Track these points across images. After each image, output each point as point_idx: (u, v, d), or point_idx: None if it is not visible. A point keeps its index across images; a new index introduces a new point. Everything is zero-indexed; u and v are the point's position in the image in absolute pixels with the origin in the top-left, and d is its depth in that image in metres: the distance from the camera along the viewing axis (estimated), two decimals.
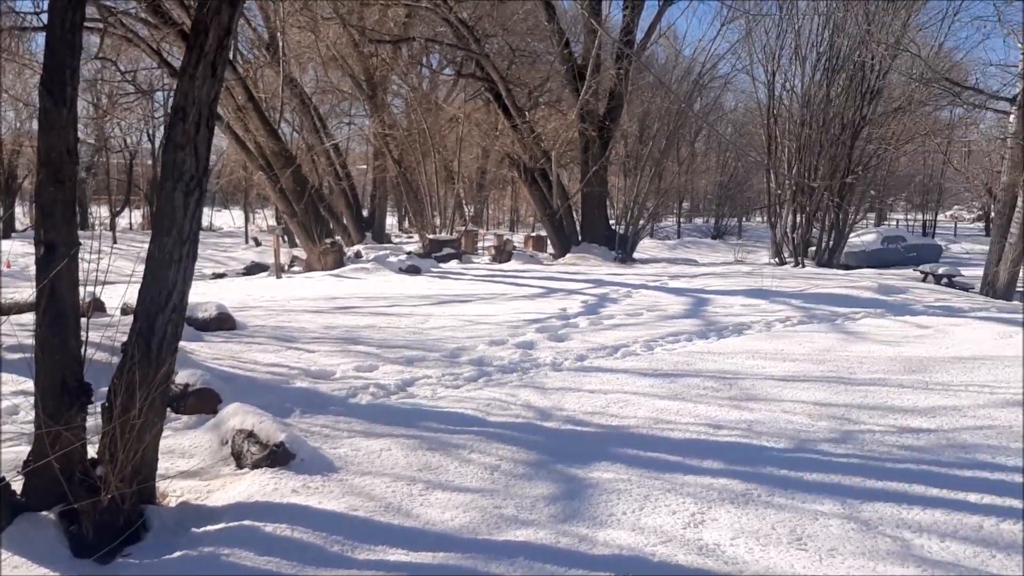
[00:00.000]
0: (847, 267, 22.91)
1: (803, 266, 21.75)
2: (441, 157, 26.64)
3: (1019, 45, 15.45)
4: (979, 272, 17.39)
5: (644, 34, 23.70)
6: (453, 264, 19.93)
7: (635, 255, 24.59)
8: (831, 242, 23.66)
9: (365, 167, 37.29)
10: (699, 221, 51.78)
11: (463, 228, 26.12)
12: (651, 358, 7.63)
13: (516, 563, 3.42)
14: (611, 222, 25.52)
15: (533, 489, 4.24)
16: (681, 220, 47.98)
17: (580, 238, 23.70)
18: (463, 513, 3.96)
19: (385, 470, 4.54)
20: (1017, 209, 15.55)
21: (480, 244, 26.72)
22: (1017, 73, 15.69)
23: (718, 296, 12.04)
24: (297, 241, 24.05)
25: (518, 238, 32.40)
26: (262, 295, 12.85)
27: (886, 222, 49.63)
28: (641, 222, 25.76)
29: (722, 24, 24.47)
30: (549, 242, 24.86)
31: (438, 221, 26.21)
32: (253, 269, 22.44)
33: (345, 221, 25.88)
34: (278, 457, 4.54)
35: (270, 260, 19.59)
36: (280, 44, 20.68)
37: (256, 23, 23.64)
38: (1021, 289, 17.05)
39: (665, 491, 4.13)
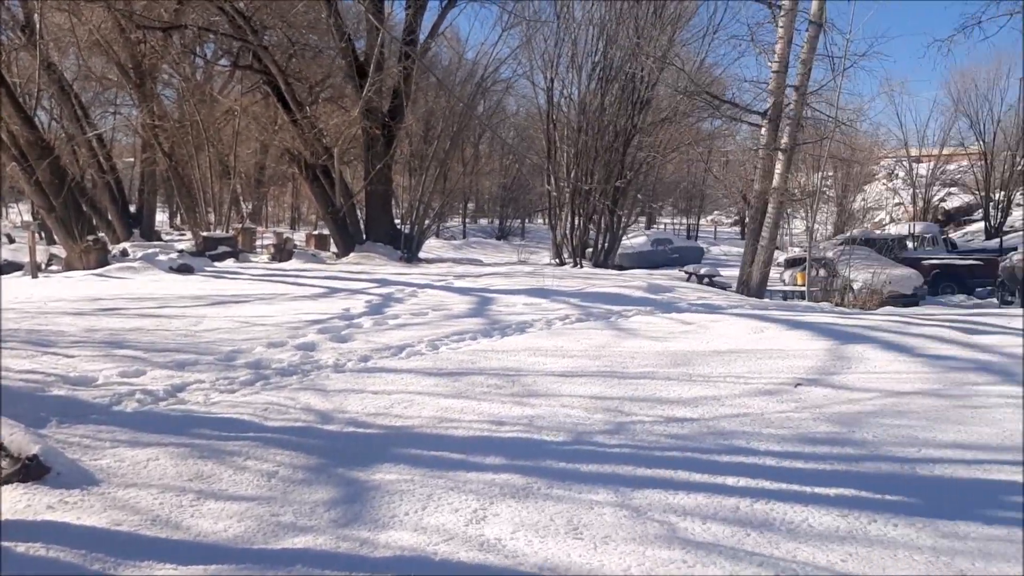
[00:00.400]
0: (621, 267, 24.11)
1: (581, 266, 22.67)
2: (216, 151, 25.54)
3: (769, 64, 16.86)
4: (735, 272, 18.79)
5: (427, 34, 23.84)
6: (229, 263, 19.15)
7: (421, 255, 24.64)
8: (606, 244, 24.81)
9: (132, 160, 35.01)
10: (484, 222, 52.82)
11: (240, 225, 25.19)
12: (436, 357, 7.66)
13: (294, 571, 3.31)
14: (396, 221, 25.45)
15: (313, 494, 4.13)
16: (466, 220, 48.69)
17: (364, 237, 23.45)
18: (238, 523, 3.79)
19: (152, 481, 4.27)
20: (768, 215, 16.98)
21: (258, 242, 25.87)
22: (768, 89, 17.12)
23: (502, 295, 12.28)
24: (56, 238, 22.20)
25: (299, 236, 31.68)
26: (15, 296, 11.72)
27: (655, 225, 52.81)
28: (427, 222, 25.91)
29: (503, 29, 25.06)
30: (332, 241, 24.45)
31: (213, 218, 25.08)
32: (5, 268, 20.42)
33: (110, 217, 24.12)
34: (31, 471, 4.15)
35: (25, 258, 17.92)
36: (37, 26, 19.00)
37: (11, 1, 21.56)
38: (771, 288, 18.68)
39: (448, 489, 4.15)
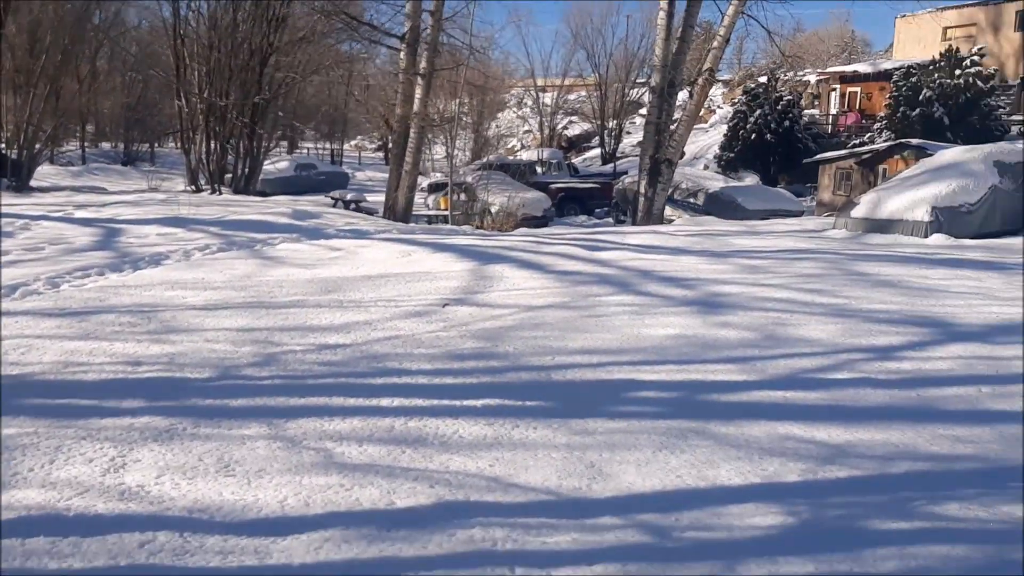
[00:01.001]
0: (263, 194, 23.36)
1: (220, 193, 21.63)
2: None
3: None
4: (381, 198, 19.03)
5: None
6: None
7: (33, 183, 22.08)
8: (247, 169, 23.84)
9: None
10: (107, 146, 47.96)
11: None
12: (57, 296, 6.90)
13: None
14: (1, 146, 22.42)
15: None
16: (86, 145, 43.94)
17: None
18: None
19: None
20: (410, 140, 17.29)
21: None
22: (405, 13, 17.24)
23: (132, 226, 11.38)
24: None
25: None
26: None
27: (298, 150, 51.57)
28: (37, 146, 23.10)
29: None
30: None
31: None
32: None
33: None
34: None
35: None
36: None
37: None
38: (417, 213, 19.16)
39: (80, 439, 3.77)
